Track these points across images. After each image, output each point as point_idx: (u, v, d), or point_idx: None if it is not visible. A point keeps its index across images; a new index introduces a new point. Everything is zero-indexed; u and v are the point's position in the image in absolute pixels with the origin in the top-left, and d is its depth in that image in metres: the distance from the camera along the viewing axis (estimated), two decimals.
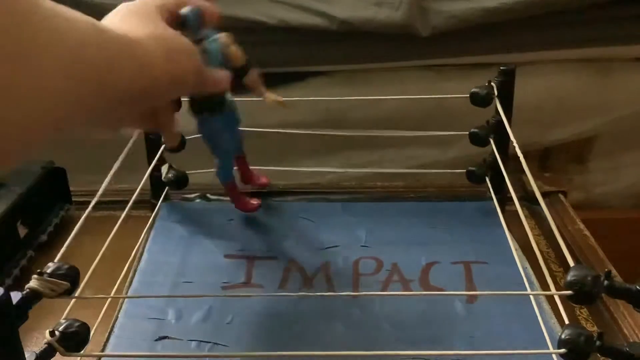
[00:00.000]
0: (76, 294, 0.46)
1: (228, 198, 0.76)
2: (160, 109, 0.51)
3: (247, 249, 0.66)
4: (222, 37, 0.55)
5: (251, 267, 0.64)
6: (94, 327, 0.48)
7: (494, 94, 0.67)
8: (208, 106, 0.58)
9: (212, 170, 0.66)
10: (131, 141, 0.62)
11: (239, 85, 0.56)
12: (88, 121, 0.39)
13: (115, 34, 0.38)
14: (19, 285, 0.63)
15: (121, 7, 0.45)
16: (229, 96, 0.60)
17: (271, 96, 0.60)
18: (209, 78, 0.49)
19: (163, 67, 0.41)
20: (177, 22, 0.47)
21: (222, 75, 0.52)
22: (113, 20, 0.43)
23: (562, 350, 0.42)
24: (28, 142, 0.33)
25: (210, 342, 0.55)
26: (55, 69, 0.32)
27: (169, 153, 0.70)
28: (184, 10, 0.48)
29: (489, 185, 0.71)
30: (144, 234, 0.67)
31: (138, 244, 0.65)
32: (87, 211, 0.54)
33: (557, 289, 0.48)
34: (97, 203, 0.55)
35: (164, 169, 0.72)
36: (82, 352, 0.44)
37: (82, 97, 0.35)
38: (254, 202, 0.70)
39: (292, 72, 1.01)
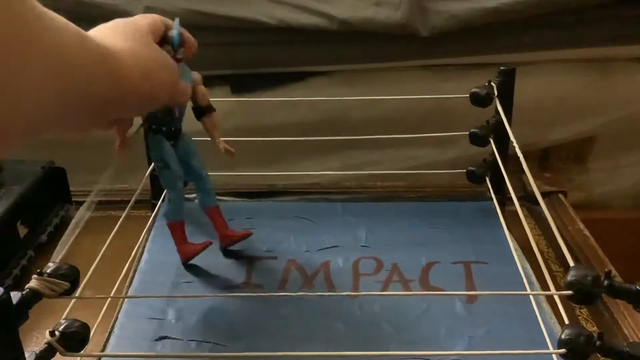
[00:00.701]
0: (76, 294, 0.46)
1: (227, 198, 0.77)
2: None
3: (247, 249, 0.66)
4: (195, 73, 0.59)
5: (251, 267, 0.64)
6: (94, 327, 0.48)
7: (494, 94, 0.67)
8: (164, 131, 0.60)
9: (212, 172, 0.65)
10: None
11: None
12: (61, 125, 0.40)
13: (96, 45, 0.39)
14: (19, 285, 0.63)
15: (114, 21, 0.47)
16: (183, 135, 0.62)
17: (222, 143, 0.62)
18: (179, 91, 0.52)
19: (138, 84, 0.44)
20: (164, 39, 0.53)
21: (187, 86, 0.55)
22: (101, 31, 0.44)
23: (562, 351, 0.42)
24: (5, 145, 0.34)
25: (210, 342, 0.55)
26: (41, 78, 0.33)
27: None
28: (174, 32, 0.53)
29: (489, 185, 0.71)
30: (144, 234, 0.67)
31: (138, 244, 0.65)
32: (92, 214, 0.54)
33: (557, 289, 0.48)
34: (97, 203, 0.55)
35: None
36: (82, 352, 0.44)
37: (60, 104, 0.36)
38: (234, 234, 0.66)
39: (292, 72, 1.01)
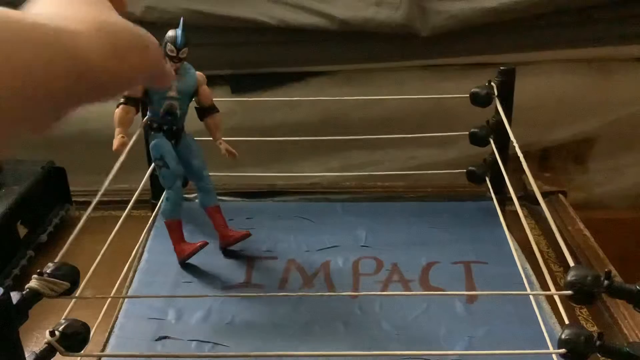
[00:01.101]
0: (76, 294, 0.46)
1: (227, 198, 0.77)
2: None
3: (247, 249, 0.66)
4: (199, 73, 0.60)
5: (251, 267, 0.64)
6: (94, 327, 0.48)
7: (494, 94, 0.67)
8: (164, 130, 0.61)
9: (213, 172, 0.65)
10: (131, 142, 0.62)
11: None
12: (19, 123, 0.35)
13: (47, 28, 0.32)
14: (19, 285, 0.63)
15: None
16: (185, 134, 0.63)
17: (224, 145, 0.62)
18: (162, 74, 0.44)
19: (107, 65, 0.35)
20: (168, 41, 0.54)
21: (170, 70, 0.50)
22: (51, 4, 0.38)
23: (562, 350, 0.42)
24: None
25: (210, 342, 0.55)
26: None
27: None
28: (178, 31, 0.54)
29: (489, 185, 0.71)
30: (144, 234, 0.67)
31: (138, 244, 0.65)
32: (87, 212, 0.54)
33: (557, 289, 0.48)
34: (97, 203, 0.55)
35: None
36: (82, 352, 0.44)
37: (10, 101, 0.32)
38: (234, 233, 0.65)
39: (292, 72, 1.01)
